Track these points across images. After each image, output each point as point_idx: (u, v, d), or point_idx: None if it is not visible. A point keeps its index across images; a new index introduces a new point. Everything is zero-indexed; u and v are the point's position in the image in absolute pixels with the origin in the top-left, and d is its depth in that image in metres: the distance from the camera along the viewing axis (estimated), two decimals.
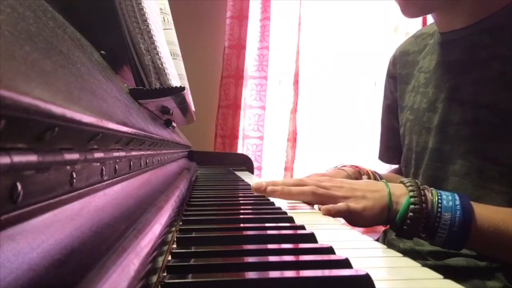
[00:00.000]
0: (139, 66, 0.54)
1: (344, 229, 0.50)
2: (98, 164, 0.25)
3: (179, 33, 1.02)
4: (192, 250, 0.35)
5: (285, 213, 0.53)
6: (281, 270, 0.30)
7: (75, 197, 0.21)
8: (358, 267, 0.31)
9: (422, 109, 0.77)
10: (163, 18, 0.90)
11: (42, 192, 0.17)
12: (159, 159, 0.55)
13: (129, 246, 0.22)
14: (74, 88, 0.20)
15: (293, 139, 1.91)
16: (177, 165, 0.82)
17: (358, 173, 0.82)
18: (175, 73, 0.74)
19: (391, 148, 0.95)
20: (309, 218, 0.54)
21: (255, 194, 0.68)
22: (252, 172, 1.42)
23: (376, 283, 0.28)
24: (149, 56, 0.55)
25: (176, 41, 0.98)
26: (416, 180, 0.60)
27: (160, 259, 0.29)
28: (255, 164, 1.77)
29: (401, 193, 0.58)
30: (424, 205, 0.55)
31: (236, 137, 1.87)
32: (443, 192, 0.57)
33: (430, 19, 0.85)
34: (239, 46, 1.87)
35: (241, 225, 0.48)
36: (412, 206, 0.55)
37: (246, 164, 1.45)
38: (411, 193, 0.56)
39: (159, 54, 0.57)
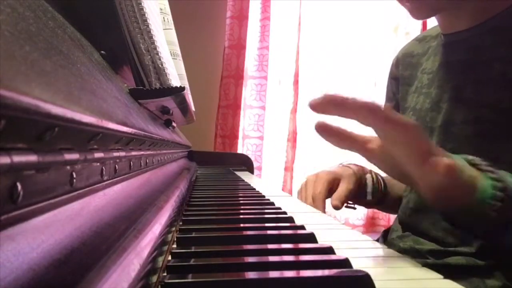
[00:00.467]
0: (139, 66, 0.54)
1: (344, 229, 0.50)
2: (98, 164, 0.25)
3: (179, 33, 1.02)
4: (192, 250, 0.35)
5: (285, 213, 0.53)
6: (281, 270, 0.30)
7: (75, 197, 0.20)
8: (358, 267, 0.31)
9: (425, 110, 0.77)
10: (163, 18, 0.90)
11: (42, 192, 0.17)
12: (159, 159, 0.55)
13: (129, 246, 0.22)
14: (74, 88, 0.20)
15: (293, 139, 1.91)
16: (177, 165, 0.82)
17: (362, 171, 0.85)
18: (175, 73, 0.74)
19: None
20: (310, 218, 0.54)
21: (255, 194, 0.68)
22: (252, 172, 1.42)
23: (376, 283, 0.28)
24: (149, 56, 0.55)
25: (176, 41, 0.98)
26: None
27: (160, 259, 0.29)
28: (255, 164, 1.77)
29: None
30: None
31: (236, 137, 1.87)
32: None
33: (430, 20, 0.86)
34: (239, 46, 1.87)
35: (241, 225, 0.48)
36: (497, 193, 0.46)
37: (246, 164, 1.45)
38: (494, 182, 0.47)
39: (159, 54, 0.57)
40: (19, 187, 0.14)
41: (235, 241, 0.39)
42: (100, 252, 0.20)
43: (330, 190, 0.81)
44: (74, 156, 0.19)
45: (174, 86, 0.56)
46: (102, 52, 0.47)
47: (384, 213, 1.82)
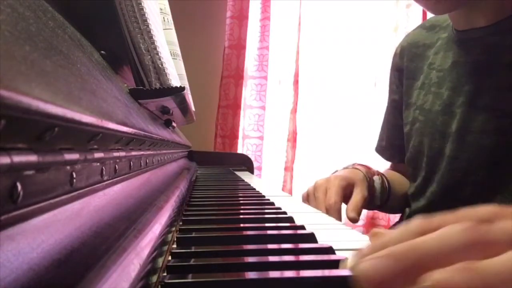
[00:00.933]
0: (139, 66, 0.54)
1: (344, 229, 0.50)
2: (98, 164, 0.25)
3: (179, 33, 1.02)
4: (192, 250, 0.35)
5: (285, 213, 0.53)
6: (281, 270, 0.30)
7: (75, 197, 0.20)
8: None
9: (435, 111, 0.73)
10: (163, 18, 0.90)
11: (42, 192, 0.17)
12: (159, 159, 0.55)
13: (129, 246, 0.22)
14: (74, 88, 0.20)
15: (293, 139, 1.91)
16: (177, 165, 0.82)
17: (370, 173, 0.80)
18: (175, 73, 0.74)
19: (396, 147, 0.91)
20: (310, 218, 0.54)
21: (255, 194, 0.68)
22: (252, 172, 1.42)
23: None
24: (149, 56, 0.55)
25: (176, 41, 0.98)
26: None
27: (160, 259, 0.29)
28: (255, 164, 1.77)
29: None
30: None
31: (236, 137, 1.87)
32: None
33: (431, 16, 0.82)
34: (239, 46, 1.87)
35: (241, 225, 0.48)
36: None
37: (246, 164, 1.45)
38: None
39: (159, 54, 0.57)
40: (19, 187, 0.14)
41: (235, 241, 0.39)
42: (100, 252, 0.20)
43: (343, 196, 0.75)
44: (74, 156, 0.19)
45: (174, 86, 0.56)
46: (102, 52, 0.47)
47: (384, 213, 1.82)
